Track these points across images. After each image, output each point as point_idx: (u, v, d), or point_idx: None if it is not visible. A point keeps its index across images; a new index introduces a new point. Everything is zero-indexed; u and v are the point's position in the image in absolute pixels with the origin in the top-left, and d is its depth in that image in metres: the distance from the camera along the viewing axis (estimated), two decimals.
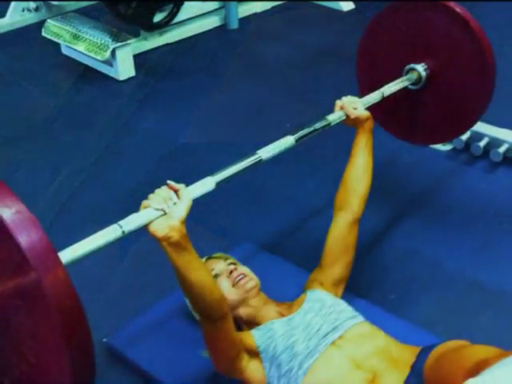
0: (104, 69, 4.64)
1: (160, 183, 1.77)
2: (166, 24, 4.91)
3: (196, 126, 4.05)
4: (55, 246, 1.34)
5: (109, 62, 4.55)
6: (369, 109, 2.42)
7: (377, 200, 2.79)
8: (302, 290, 2.36)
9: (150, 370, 2.35)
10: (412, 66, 2.71)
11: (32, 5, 5.44)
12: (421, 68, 2.70)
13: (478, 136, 3.48)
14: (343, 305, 2.22)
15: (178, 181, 1.78)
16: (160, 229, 1.69)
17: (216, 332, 1.94)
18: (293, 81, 4.55)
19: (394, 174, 3.50)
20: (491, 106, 2.71)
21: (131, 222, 1.66)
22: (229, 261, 2.34)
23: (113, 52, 4.44)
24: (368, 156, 2.40)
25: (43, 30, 4.87)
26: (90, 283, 2.63)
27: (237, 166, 1.99)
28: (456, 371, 1.74)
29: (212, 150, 3.72)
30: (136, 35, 4.80)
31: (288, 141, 2.17)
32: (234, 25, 5.33)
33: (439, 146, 3.62)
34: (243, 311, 2.23)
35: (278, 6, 5.67)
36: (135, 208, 1.71)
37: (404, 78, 2.70)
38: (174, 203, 1.72)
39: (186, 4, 4.95)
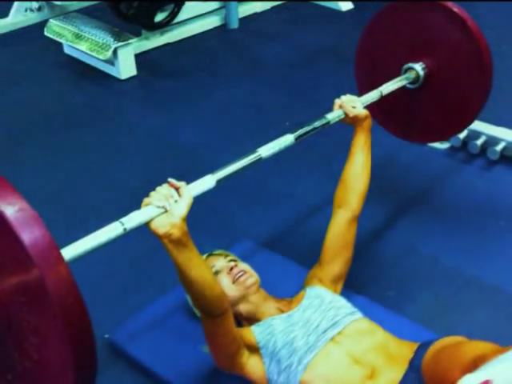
0: (106, 68, 4.65)
1: (161, 181, 1.78)
2: (167, 24, 4.91)
3: (197, 125, 4.06)
4: (58, 243, 1.34)
5: (111, 62, 4.56)
6: (367, 107, 2.43)
7: (375, 198, 2.81)
8: (302, 286, 2.37)
9: (150, 366, 2.36)
10: (410, 65, 2.72)
11: (35, 5, 5.45)
12: (419, 67, 2.71)
13: (476, 134, 3.49)
14: (342, 301, 2.23)
15: (178, 179, 1.78)
16: (161, 226, 1.70)
17: (216, 328, 1.95)
18: (292, 80, 4.55)
19: (393, 171, 3.50)
20: (488, 105, 2.73)
21: (133, 220, 1.67)
22: (229, 258, 2.34)
23: (114, 51, 4.45)
24: (367, 154, 2.41)
25: (46, 29, 4.88)
26: (92, 280, 2.62)
27: (237, 164, 2.00)
28: (453, 367, 1.75)
29: (212, 148, 3.73)
30: (137, 35, 4.81)
31: (288, 139, 2.18)
32: (235, 24, 5.34)
33: (437, 145, 3.63)
34: (243, 307, 2.24)
35: (278, 6, 5.68)
36: (137, 206, 1.72)
37: (402, 77, 2.71)
38: (175, 201, 1.73)
39: (187, 4, 4.96)
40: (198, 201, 1.82)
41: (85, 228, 1.66)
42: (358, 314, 2.19)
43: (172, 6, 4.84)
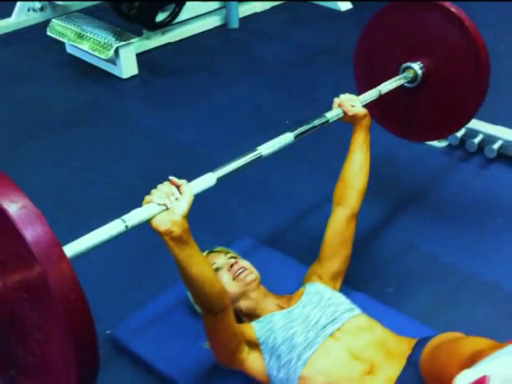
0: (107, 67, 4.66)
1: (162, 179, 1.79)
2: (168, 23, 4.92)
3: (197, 123, 4.07)
4: (60, 241, 1.35)
5: (112, 61, 4.57)
6: (366, 106, 2.44)
7: (374, 195, 2.83)
8: (301, 283, 2.38)
9: (152, 361, 2.37)
10: (408, 64, 2.73)
11: (37, 5, 5.46)
12: (417, 66, 2.72)
13: (473, 133, 3.51)
14: (341, 297, 2.24)
15: (179, 176, 1.79)
16: (162, 223, 1.71)
17: (217, 324, 1.96)
18: (292, 79, 4.56)
19: (391, 169, 3.51)
20: (486, 104, 2.73)
21: (134, 217, 1.67)
22: (229, 255, 2.35)
23: (116, 51, 4.47)
24: (365, 152, 2.41)
25: (48, 29, 4.90)
26: (94, 277, 2.64)
27: (237, 162, 2.00)
28: (451, 362, 1.75)
29: (213, 147, 3.74)
30: (139, 34, 4.82)
31: (287, 137, 2.18)
32: (235, 24, 5.35)
33: (435, 143, 3.65)
34: (243, 304, 2.25)
35: (278, 6, 5.69)
36: (138, 203, 1.73)
37: (400, 76, 2.72)
38: (176, 198, 1.74)
39: (188, 4, 4.96)
40: (199, 198, 1.83)
41: (87, 226, 1.66)
42: (357, 311, 2.19)
43: (173, 6, 4.85)
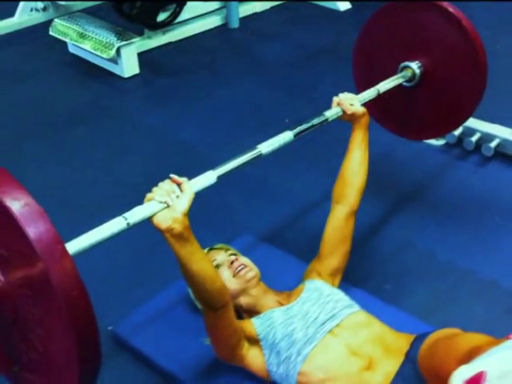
0: (109, 66, 4.68)
1: (163, 177, 1.79)
2: (169, 23, 4.93)
3: (198, 122, 4.09)
4: (62, 238, 1.36)
5: (114, 60, 4.59)
6: (365, 105, 2.44)
7: (372, 193, 2.84)
8: (301, 279, 2.39)
9: (153, 357, 2.39)
10: (406, 63, 2.73)
11: (40, 5, 5.47)
12: (415, 66, 2.72)
13: (470, 131, 3.52)
14: (340, 294, 2.25)
15: (180, 174, 1.80)
16: (163, 221, 1.72)
17: (217, 320, 1.98)
18: (292, 78, 4.57)
19: (389, 168, 3.52)
20: (483, 103, 2.74)
21: (135, 215, 1.68)
22: (230, 252, 2.36)
23: (118, 50, 4.48)
24: (364, 150, 2.42)
25: (51, 29, 4.91)
26: (96, 273, 2.63)
27: (237, 160, 2.01)
28: (449, 358, 1.76)
29: (213, 145, 3.75)
30: (140, 34, 4.84)
31: (287, 136, 2.19)
32: (235, 24, 5.37)
33: (433, 141, 3.66)
34: (244, 300, 2.26)
35: (278, 5, 5.70)
36: (139, 201, 1.74)
37: (399, 75, 2.72)
38: (177, 196, 1.74)
39: (189, 4, 4.98)
40: (200, 196, 1.84)
41: (89, 223, 1.66)
42: (356, 307, 2.21)
43: (174, 6, 4.85)
